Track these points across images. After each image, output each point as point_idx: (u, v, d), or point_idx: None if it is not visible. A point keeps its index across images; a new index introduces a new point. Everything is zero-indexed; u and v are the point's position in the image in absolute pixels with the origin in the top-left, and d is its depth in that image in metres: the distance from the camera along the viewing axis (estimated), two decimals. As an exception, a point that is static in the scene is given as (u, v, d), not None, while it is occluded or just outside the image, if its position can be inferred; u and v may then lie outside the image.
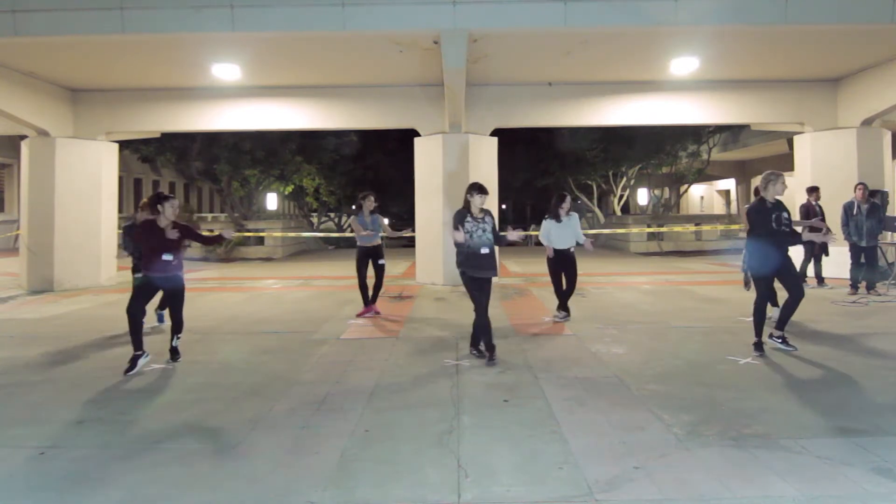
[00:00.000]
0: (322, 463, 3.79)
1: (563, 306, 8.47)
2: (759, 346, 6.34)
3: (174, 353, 6.37)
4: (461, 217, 6.26)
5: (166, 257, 6.09)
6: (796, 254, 11.93)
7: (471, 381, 5.58)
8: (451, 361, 6.24)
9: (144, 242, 6.29)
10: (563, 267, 8.37)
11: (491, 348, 6.20)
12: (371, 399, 5.05)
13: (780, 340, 6.44)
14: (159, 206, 6.12)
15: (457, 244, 6.22)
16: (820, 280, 11.20)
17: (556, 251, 8.30)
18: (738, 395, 5.07)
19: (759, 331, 6.40)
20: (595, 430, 4.30)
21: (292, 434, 4.28)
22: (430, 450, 4.00)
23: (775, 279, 6.52)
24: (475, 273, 6.21)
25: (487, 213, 6.38)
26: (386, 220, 8.71)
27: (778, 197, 6.31)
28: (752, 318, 6.45)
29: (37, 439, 4.22)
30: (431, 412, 4.72)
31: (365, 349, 6.93)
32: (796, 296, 6.21)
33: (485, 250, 6.19)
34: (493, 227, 6.35)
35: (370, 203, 8.85)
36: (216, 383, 5.60)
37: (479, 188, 6.32)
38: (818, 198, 11.14)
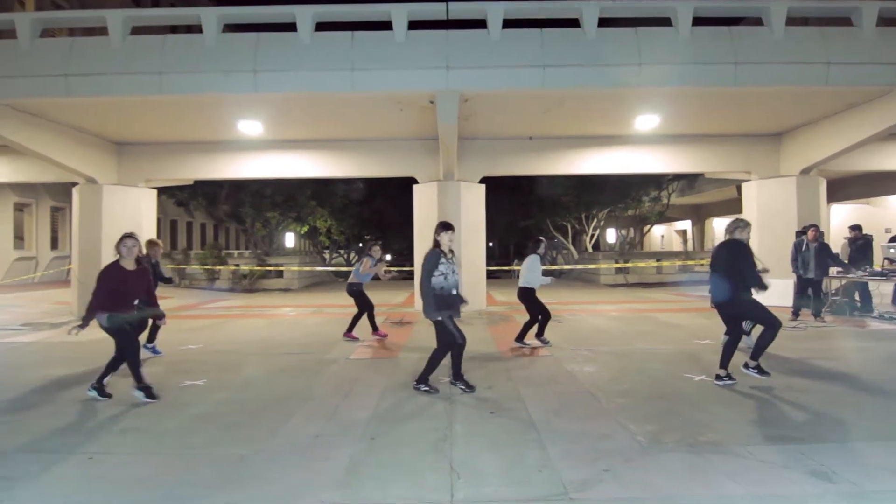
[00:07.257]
0: (332, 467, 3.82)
1: (520, 336, 8.18)
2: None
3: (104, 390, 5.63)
4: (436, 259, 5.59)
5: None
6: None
7: (462, 396, 5.61)
8: (445, 379, 6.25)
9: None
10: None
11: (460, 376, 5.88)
12: (375, 411, 5.08)
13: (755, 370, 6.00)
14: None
15: (428, 289, 5.54)
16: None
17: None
18: (694, 407, 5.11)
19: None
20: (570, 438, 4.34)
21: (307, 442, 4.30)
22: (427, 455, 4.02)
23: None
24: (453, 313, 5.64)
25: (452, 252, 5.77)
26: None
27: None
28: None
29: (85, 445, 4.25)
30: (428, 423, 4.75)
31: (370, 368, 6.96)
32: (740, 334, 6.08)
33: (454, 291, 5.62)
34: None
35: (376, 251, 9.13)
36: (241, 398, 5.62)
37: (447, 226, 5.74)
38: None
